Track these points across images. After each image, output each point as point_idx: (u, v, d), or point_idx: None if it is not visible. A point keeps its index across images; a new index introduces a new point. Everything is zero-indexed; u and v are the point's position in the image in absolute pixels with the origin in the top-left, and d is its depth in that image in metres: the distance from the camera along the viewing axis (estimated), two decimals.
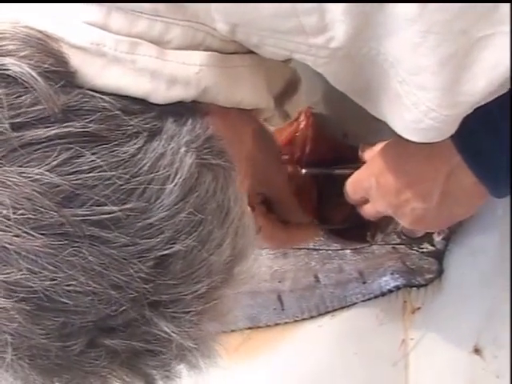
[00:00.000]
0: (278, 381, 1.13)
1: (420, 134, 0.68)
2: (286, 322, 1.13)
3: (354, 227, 1.08)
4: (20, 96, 0.53)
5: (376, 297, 1.12)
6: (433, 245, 1.10)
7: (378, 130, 1.08)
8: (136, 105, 0.57)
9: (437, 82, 0.61)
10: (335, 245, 1.12)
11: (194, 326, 0.60)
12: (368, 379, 1.12)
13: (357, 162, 1.03)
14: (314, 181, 1.12)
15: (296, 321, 1.13)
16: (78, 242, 0.53)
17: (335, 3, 0.57)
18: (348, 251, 1.12)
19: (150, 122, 0.58)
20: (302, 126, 1.10)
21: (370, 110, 0.75)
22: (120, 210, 0.54)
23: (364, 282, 1.11)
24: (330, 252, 1.11)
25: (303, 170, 1.07)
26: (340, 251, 1.11)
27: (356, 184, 0.99)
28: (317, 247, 1.11)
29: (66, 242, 0.52)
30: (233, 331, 1.13)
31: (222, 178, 0.62)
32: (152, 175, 0.56)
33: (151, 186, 0.56)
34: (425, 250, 1.11)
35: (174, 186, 0.57)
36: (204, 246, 0.59)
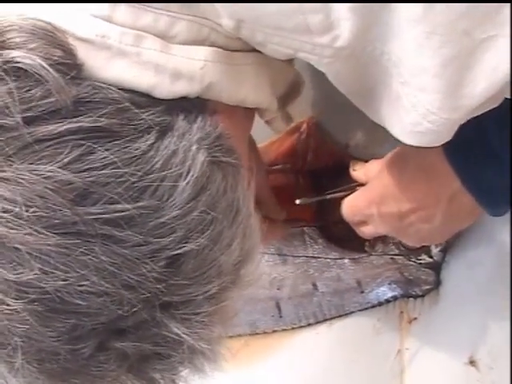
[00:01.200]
0: None
1: (417, 138, 0.67)
2: (284, 329, 1.14)
3: (352, 236, 1.09)
4: (31, 89, 0.52)
5: (373, 306, 1.12)
6: (430, 256, 1.11)
7: (379, 140, 1.10)
8: (143, 97, 0.57)
9: (438, 84, 0.60)
10: (334, 253, 1.12)
11: (205, 327, 0.59)
12: None
13: (349, 181, 1.04)
14: (315, 187, 1.13)
15: (294, 328, 1.14)
16: (90, 241, 0.52)
17: (341, 3, 0.57)
18: (346, 260, 1.12)
19: (160, 117, 0.57)
20: (303, 135, 1.11)
21: (370, 114, 0.75)
22: (133, 208, 0.54)
23: (362, 292, 1.12)
24: (328, 260, 1.12)
25: (297, 201, 1.07)
26: (338, 260, 1.12)
27: (354, 210, 0.99)
28: (315, 255, 1.12)
29: (78, 241, 0.52)
30: (231, 337, 1.13)
31: (231, 176, 0.62)
32: (164, 173, 0.56)
33: (164, 183, 0.55)
34: (423, 261, 1.12)
35: (187, 184, 0.56)
36: (215, 246, 0.59)
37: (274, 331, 1.14)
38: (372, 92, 0.69)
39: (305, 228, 1.13)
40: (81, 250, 0.52)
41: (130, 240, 0.53)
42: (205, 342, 0.59)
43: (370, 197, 0.96)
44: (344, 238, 1.09)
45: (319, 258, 1.12)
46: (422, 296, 1.12)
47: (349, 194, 1.00)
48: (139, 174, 0.54)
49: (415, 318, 1.13)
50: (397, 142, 1.08)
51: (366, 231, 1.01)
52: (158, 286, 0.55)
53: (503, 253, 1.10)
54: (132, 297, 0.54)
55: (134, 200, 0.54)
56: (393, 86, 0.65)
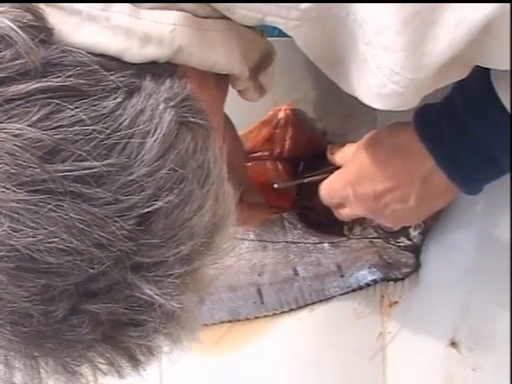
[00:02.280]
0: (258, 373, 1.14)
1: (384, 101, 0.68)
2: (266, 315, 1.14)
3: (331, 221, 1.10)
4: (0, 51, 0.52)
5: (354, 290, 1.13)
6: (409, 239, 1.12)
7: (356, 127, 1.11)
8: (113, 61, 0.57)
9: (401, 42, 0.61)
10: (313, 238, 1.13)
11: (177, 288, 0.59)
12: (346, 372, 1.14)
13: (327, 166, 1.05)
14: (293, 173, 1.14)
15: (275, 314, 1.14)
16: (59, 198, 0.52)
17: None
18: (326, 245, 1.13)
19: (128, 79, 0.57)
20: (281, 122, 1.11)
21: (341, 83, 0.75)
22: (102, 166, 0.54)
23: (342, 276, 1.13)
24: (308, 245, 1.13)
25: (275, 185, 1.08)
26: (318, 245, 1.13)
27: (331, 191, 1.00)
28: (295, 240, 1.13)
29: (47, 197, 0.52)
30: (213, 324, 1.14)
31: (201, 138, 0.62)
32: (132, 130, 0.56)
33: (132, 140, 0.56)
34: (402, 244, 1.12)
35: (155, 141, 0.56)
36: (186, 206, 0.59)
37: (256, 317, 1.14)
38: (341, 59, 0.70)
39: (284, 214, 1.13)
40: (50, 206, 0.52)
41: (99, 198, 0.54)
42: (177, 302, 0.59)
43: (346, 178, 0.97)
44: (323, 222, 1.09)
45: (299, 243, 1.12)
46: (402, 279, 1.13)
47: (326, 178, 1.01)
48: (107, 131, 0.55)
49: (396, 302, 1.13)
50: (374, 129, 1.10)
51: (344, 213, 1.01)
52: (129, 245, 0.55)
53: (482, 235, 1.11)
54: (102, 255, 0.54)
55: (103, 157, 0.54)
56: (359, 48, 0.65)
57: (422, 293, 1.13)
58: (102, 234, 0.54)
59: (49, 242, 0.52)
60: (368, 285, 1.13)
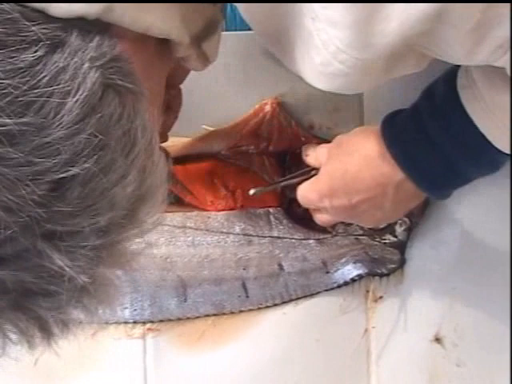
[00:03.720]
0: (243, 368, 1.14)
1: (328, 81, 0.66)
2: (251, 309, 1.14)
3: None
4: None
5: (339, 286, 1.13)
6: (395, 236, 1.12)
7: (343, 120, 1.11)
8: (37, 13, 0.53)
9: (348, 18, 0.59)
10: (299, 234, 1.13)
11: (90, 261, 0.55)
12: (330, 367, 1.14)
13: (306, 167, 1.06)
14: (281, 165, 1.13)
15: (260, 308, 1.14)
16: None
17: None
18: (312, 241, 1.12)
19: (52, 32, 0.53)
20: (267, 116, 1.10)
21: (286, 62, 0.73)
22: (15, 124, 0.50)
23: (327, 272, 1.12)
24: (293, 241, 1.12)
25: (251, 191, 1.07)
26: (304, 241, 1.12)
27: (308, 200, 1.01)
28: (281, 235, 1.12)
29: None
30: (197, 318, 1.13)
31: (129, 104, 0.57)
32: (51, 88, 0.52)
33: (50, 99, 0.51)
34: (387, 240, 1.12)
35: (75, 102, 0.52)
36: (106, 176, 0.55)
37: (241, 311, 1.14)
38: (284, 34, 0.67)
39: (270, 209, 1.13)
40: None
41: (10, 158, 0.50)
42: (87, 276, 0.55)
43: (320, 191, 0.98)
44: (308, 218, 1.09)
45: (284, 238, 1.12)
46: (388, 275, 1.13)
47: (304, 180, 1.02)
48: (24, 87, 0.51)
49: (381, 297, 1.13)
50: (361, 123, 1.10)
51: (323, 219, 1.02)
52: (40, 211, 0.51)
53: (467, 231, 1.11)
54: (10, 220, 0.50)
55: (17, 115, 0.50)
56: (304, 23, 0.63)
57: (407, 288, 1.13)
58: (10, 197, 0.50)
59: None
60: (353, 280, 1.12)
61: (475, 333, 1.12)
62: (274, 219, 1.12)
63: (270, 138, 1.11)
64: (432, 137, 0.85)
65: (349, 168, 0.94)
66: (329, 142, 1.03)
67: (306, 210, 1.08)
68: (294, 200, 1.06)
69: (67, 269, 0.53)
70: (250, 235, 1.12)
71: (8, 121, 0.49)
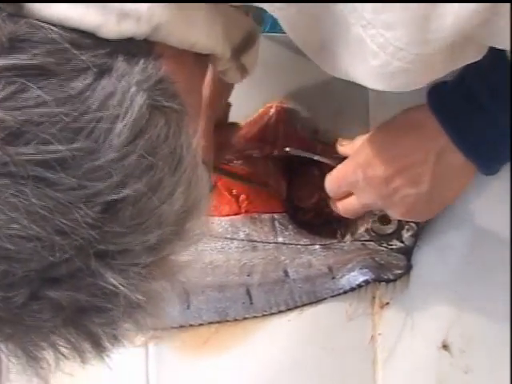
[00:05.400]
0: (247, 375, 1.13)
1: (386, 80, 0.67)
2: (255, 317, 1.12)
3: (323, 222, 1.09)
4: None
5: (345, 292, 1.11)
6: (402, 241, 1.11)
7: (347, 125, 1.10)
8: (86, 39, 0.55)
9: (405, 18, 0.60)
10: (304, 240, 1.11)
11: (143, 279, 0.57)
12: (337, 374, 1.12)
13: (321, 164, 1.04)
14: (286, 170, 1.12)
15: (265, 315, 1.12)
16: (21, 182, 0.50)
17: None
18: (317, 246, 1.11)
19: (100, 59, 0.55)
20: (272, 120, 1.10)
21: (326, 68, 0.74)
22: (67, 150, 0.51)
23: (333, 278, 1.11)
24: (299, 247, 1.11)
25: (287, 149, 1.06)
26: (309, 246, 1.11)
27: (340, 178, 0.98)
28: (286, 242, 1.11)
29: (8, 182, 0.50)
30: (200, 325, 1.12)
31: (174, 123, 0.59)
32: (101, 113, 0.53)
33: (100, 124, 0.53)
34: (394, 246, 1.11)
35: (124, 126, 0.54)
36: (155, 194, 0.56)
37: (245, 318, 1.13)
38: (329, 44, 0.68)
39: (275, 214, 1.12)
40: (11, 191, 0.50)
41: (63, 183, 0.51)
42: (142, 295, 0.57)
43: (356, 161, 0.95)
44: (315, 224, 1.08)
45: (290, 244, 1.11)
46: (394, 280, 1.12)
47: (334, 167, 1.00)
48: (74, 114, 0.52)
49: (387, 303, 1.12)
50: (366, 128, 1.09)
51: (350, 206, 0.99)
52: (92, 233, 0.52)
53: (474, 236, 1.10)
54: (64, 243, 0.51)
55: (69, 141, 0.52)
56: (352, 32, 0.64)
57: (414, 294, 1.12)
58: (64, 221, 0.51)
59: (9, 228, 0.50)
60: (359, 286, 1.11)
61: (482, 339, 1.11)
62: (279, 225, 1.11)
63: (274, 142, 1.11)
64: (480, 102, 0.84)
65: (389, 133, 0.92)
66: (334, 146, 1.02)
67: (312, 216, 1.07)
68: (300, 208, 1.05)
69: (121, 287, 0.55)
70: (255, 241, 1.11)
71: (60, 147, 0.51)
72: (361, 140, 0.98)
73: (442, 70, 0.69)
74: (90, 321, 0.56)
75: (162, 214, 0.57)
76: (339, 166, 0.98)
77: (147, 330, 0.62)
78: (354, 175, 0.95)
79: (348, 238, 1.11)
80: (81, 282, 0.54)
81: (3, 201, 0.50)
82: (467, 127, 0.86)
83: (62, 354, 0.57)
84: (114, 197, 0.53)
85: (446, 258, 1.11)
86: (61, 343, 0.57)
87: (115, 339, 0.59)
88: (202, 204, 0.63)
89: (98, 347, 0.58)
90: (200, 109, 0.72)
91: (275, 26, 1.08)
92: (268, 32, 1.09)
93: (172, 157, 0.58)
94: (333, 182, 1.00)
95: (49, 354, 0.57)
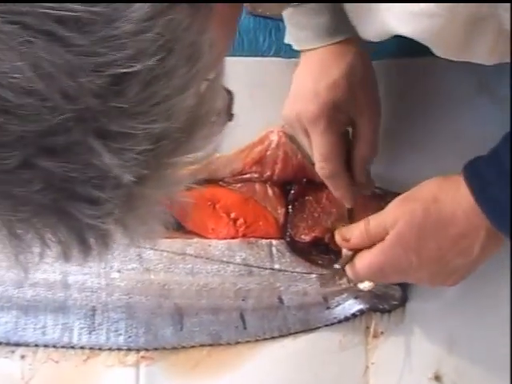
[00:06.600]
0: None
1: (415, 21, 0.68)
2: (248, 341, 1.12)
3: (322, 251, 1.08)
4: None
5: (339, 321, 1.11)
6: None
7: None
8: None
9: None
10: (301, 268, 1.10)
11: (138, 163, 0.54)
12: None
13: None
14: (284, 196, 1.12)
15: (258, 340, 1.12)
16: (32, 34, 0.49)
17: None
18: (314, 275, 1.10)
19: None
20: (273, 145, 1.09)
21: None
22: (86, 11, 0.50)
23: (328, 308, 1.10)
24: (295, 274, 1.10)
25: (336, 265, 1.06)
26: (305, 275, 1.10)
27: (387, 264, 0.98)
28: (282, 268, 1.10)
29: (20, 31, 0.48)
30: (192, 347, 1.11)
31: (200, 18, 0.58)
32: None
33: None
34: None
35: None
36: (167, 81, 0.55)
37: (238, 343, 1.12)
38: None
39: (273, 240, 1.11)
40: (20, 39, 0.48)
41: (76, 44, 0.50)
42: (132, 176, 0.54)
43: (405, 244, 0.95)
44: (312, 252, 1.07)
45: (286, 271, 1.10)
46: (389, 311, 1.11)
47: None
48: None
49: (382, 333, 1.12)
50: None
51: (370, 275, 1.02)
52: (96, 102, 0.51)
53: None
54: (67, 108, 0.50)
55: (89, 3, 0.50)
56: None
57: (408, 325, 1.12)
58: (70, 82, 0.50)
59: (12, 78, 0.49)
60: (354, 315, 1.10)
61: (476, 372, 1.11)
62: (276, 251, 1.11)
63: (274, 167, 1.10)
64: None
65: (438, 215, 0.93)
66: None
67: (310, 245, 1.06)
68: (297, 235, 1.05)
69: (115, 168, 0.53)
70: (251, 266, 1.10)
71: (77, 7, 0.50)
72: (375, 224, 0.98)
73: (460, 48, 0.71)
74: (80, 211, 0.54)
75: (172, 107, 0.55)
76: (376, 254, 0.97)
77: (136, 239, 0.61)
78: (407, 259, 0.95)
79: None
80: (76, 157, 0.52)
81: (11, 47, 0.49)
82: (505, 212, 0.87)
83: (48, 247, 0.56)
84: (125, 70, 0.52)
85: (441, 291, 1.10)
86: (48, 235, 0.55)
87: (102, 240, 0.57)
88: (213, 123, 0.62)
89: (84, 243, 0.57)
90: (231, 34, 0.71)
91: (279, 51, 1.08)
92: (272, 56, 1.08)
93: (191, 49, 0.57)
94: (374, 268, 0.99)
95: (33, 241, 0.56)
